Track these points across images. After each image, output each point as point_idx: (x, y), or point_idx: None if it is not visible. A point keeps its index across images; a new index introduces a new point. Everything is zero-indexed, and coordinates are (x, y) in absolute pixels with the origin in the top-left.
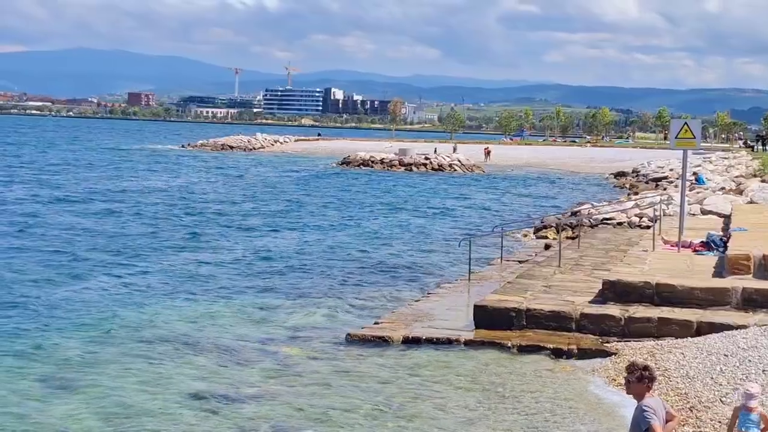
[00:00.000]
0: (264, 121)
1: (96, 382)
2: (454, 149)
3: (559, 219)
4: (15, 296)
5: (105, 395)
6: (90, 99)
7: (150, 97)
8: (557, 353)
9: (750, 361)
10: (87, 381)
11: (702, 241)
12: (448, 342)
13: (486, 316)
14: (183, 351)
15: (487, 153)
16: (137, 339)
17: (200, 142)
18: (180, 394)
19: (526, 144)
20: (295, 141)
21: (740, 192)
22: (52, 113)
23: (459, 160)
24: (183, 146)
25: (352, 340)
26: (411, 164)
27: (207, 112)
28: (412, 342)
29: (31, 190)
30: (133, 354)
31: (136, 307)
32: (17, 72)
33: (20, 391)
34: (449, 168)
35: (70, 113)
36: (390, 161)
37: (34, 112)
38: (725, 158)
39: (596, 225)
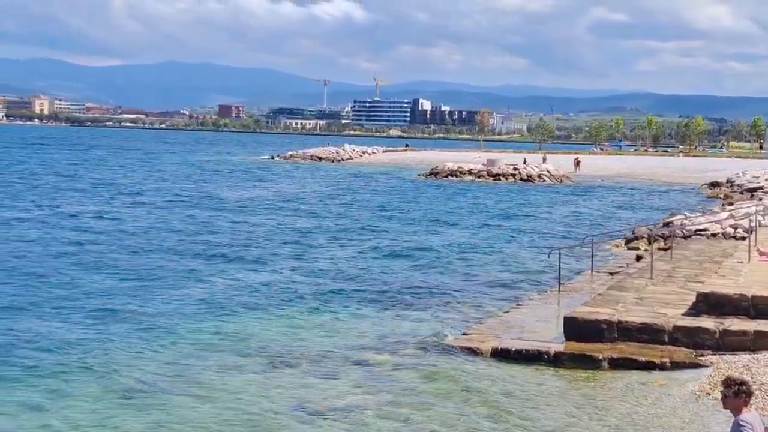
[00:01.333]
0: (352, 132)
1: (189, 393)
2: (544, 159)
3: (650, 230)
4: (114, 305)
5: (198, 406)
6: (182, 111)
7: (240, 109)
8: (649, 366)
9: None
10: (180, 391)
11: None
12: (538, 354)
13: (576, 328)
14: (275, 361)
15: (577, 163)
16: (230, 350)
17: (289, 153)
18: (273, 404)
19: (617, 154)
20: (383, 152)
21: None
22: (146, 126)
23: (548, 171)
24: (272, 157)
25: (441, 349)
26: (499, 175)
27: (296, 124)
28: (501, 353)
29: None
30: (227, 365)
31: (229, 319)
32: (112, 85)
33: (112, 400)
34: (538, 178)
35: (163, 125)
36: (478, 172)
37: (128, 124)
38: None
39: (689, 236)
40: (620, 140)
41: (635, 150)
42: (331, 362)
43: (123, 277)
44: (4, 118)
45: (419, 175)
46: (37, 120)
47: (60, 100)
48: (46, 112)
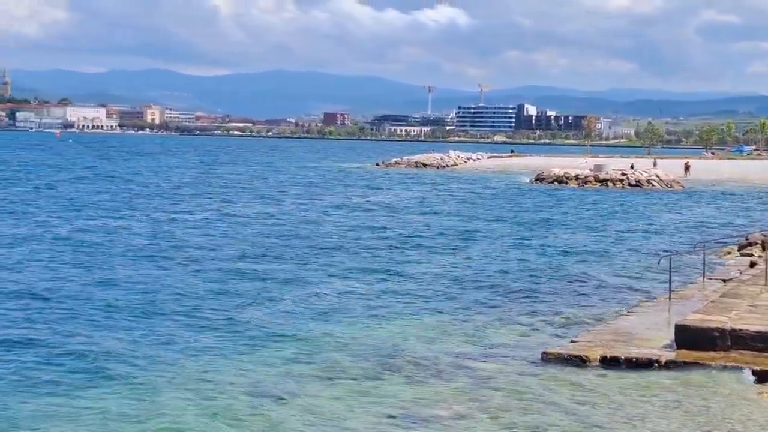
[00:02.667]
0: (456, 138)
1: (295, 396)
2: (654, 164)
3: (765, 236)
4: (222, 312)
5: (305, 411)
6: (288, 119)
7: (345, 116)
8: (765, 376)
9: None
10: (286, 394)
11: None
12: (648, 362)
13: (688, 337)
14: (381, 367)
15: (687, 168)
16: (336, 355)
17: (394, 159)
18: (377, 410)
19: (728, 158)
20: (488, 158)
21: None
22: (253, 134)
23: (657, 176)
24: (377, 164)
25: (548, 358)
26: (606, 180)
27: (400, 131)
28: (610, 362)
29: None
30: (333, 369)
31: (335, 323)
32: (220, 94)
33: (224, 405)
34: (647, 184)
35: (269, 133)
36: (585, 177)
37: (235, 132)
38: None
39: None
40: (741, 145)
41: (747, 154)
42: (437, 368)
43: (244, 281)
44: (117, 127)
45: (525, 181)
46: (148, 129)
47: (170, 109)
48: (157, 121)
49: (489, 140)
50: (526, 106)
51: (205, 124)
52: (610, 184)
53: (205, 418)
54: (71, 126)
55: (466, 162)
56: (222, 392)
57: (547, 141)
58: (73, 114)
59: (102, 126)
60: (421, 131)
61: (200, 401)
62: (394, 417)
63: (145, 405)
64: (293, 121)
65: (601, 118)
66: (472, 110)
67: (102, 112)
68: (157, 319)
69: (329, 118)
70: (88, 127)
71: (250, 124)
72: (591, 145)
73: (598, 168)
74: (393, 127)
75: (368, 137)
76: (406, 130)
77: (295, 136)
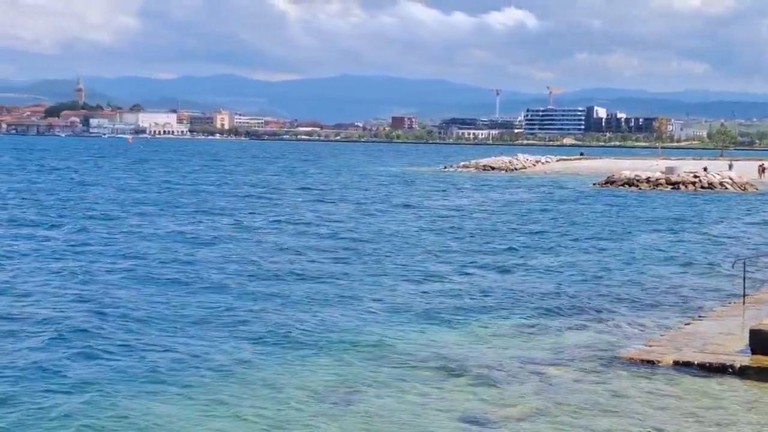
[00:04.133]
0: (525, 141)
1: (364, 400)
2: (730, 166)
3: None
4: (286, 315)
5: (376, 415)
6: (356, 123)
7: (413, 120)
8: None
9: None
10: (358, 400)
11: None
12: (722, 368)
13: (763, 342)
14: (450, 371)
15: (762, 170)
16: (407, 358)
17: (462, 163)
18: (447, 414)
19: None
20: (557, 161)
21: None
22: (321, 138)
23: (730, 178)
24: (445, 167)
25: (620, 361)
26: (678, 183)
27: (468, 134)
28: (682, 366)
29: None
30: (404, 373)
31: (406, 326)
32: (289, 99)
33: (294, 408)
34: (720, 186)
35: (337, 138)
36: (656, 180)
37: (303, 137)
38: None
39: None
40: None
41: None
42: (509, 372)
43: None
44: (188, 133)
45: (594, 184)
46: (218, 135)
47: (239, 114)
48: (226, 126)
49: (558, 143)
50: (595, 108)
51: (274, 128)
52: (681, 186)
53: (278, 420)
54: (143, 132)
55: (534, 165)
56: (291, 396)
57: (617, 143)
58: (145, 120)
59: (173, 131)
60: (489, 134)
61: (271, 405)
62: (465, 420)
63: (217, 409)
64: (361, 125)
65: (673, 120)
66: (540, 113)
67: (173, 117)
68: (230, 324)
69: (397, 122)
70: (159, 132)
71: (318, 129)
72: (662, 147)
73: (670, 170)
74: (461, 131)
75: (436, 141)
76: (473, 134)
77: (362, 140)
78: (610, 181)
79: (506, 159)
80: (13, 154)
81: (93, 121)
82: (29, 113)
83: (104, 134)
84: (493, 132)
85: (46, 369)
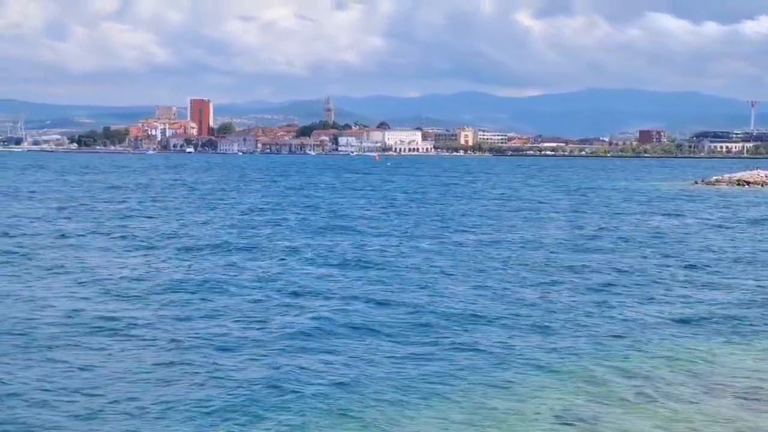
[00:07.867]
0: None
1: (606, 419)
2: None
3: None
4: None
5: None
6: (601, 138)
7: (661, 133)
8: None
9: None
10: (594, 417)
11: None
12: None
13: None
14: (704, 388)
15: None
16: (652, 374)
17: (714, 178)
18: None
19: None
20: None
21: None
22: (565, 153)
23: None
24: (696, 182)
25: None
26: None
27: (721, 147)
28: None
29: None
30: (650, 391)
31: (648, 342)
32: (533, 114)
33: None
34: None
35: (582, 153)
36: None
37: (548, 153)
38: None
39: None
40: None
41: None
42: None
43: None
44: (432, 149)
45: None
46: (461, 151)
47: (483, 131)
48: (470, 143)
49: None
50: None
51: (518, 144)
52: None
53: None
54: (389, 149)
55: None
56: (529, 415)
57: None
58: (391, 137)
59: (418, 149)
60: (743, 147)
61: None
62: None
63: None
64: (606, 139)
65: None
66: None
67: (418, 135)
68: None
69: (644, 136)
70: (404, 150)
71: (562, 144)
72: None
73: None
74: (713, 144)
75: (686, 155)
76: (727, 147)
77: (608, 155)
78: None
79: (763, 173)
80: (330, 174)
81: (341, 140)
82: (282, 133)
83: (352, 152)
84: (748, 145)
85: None
